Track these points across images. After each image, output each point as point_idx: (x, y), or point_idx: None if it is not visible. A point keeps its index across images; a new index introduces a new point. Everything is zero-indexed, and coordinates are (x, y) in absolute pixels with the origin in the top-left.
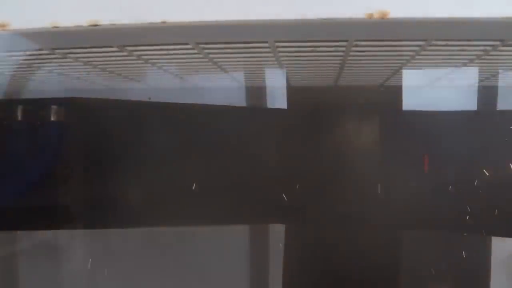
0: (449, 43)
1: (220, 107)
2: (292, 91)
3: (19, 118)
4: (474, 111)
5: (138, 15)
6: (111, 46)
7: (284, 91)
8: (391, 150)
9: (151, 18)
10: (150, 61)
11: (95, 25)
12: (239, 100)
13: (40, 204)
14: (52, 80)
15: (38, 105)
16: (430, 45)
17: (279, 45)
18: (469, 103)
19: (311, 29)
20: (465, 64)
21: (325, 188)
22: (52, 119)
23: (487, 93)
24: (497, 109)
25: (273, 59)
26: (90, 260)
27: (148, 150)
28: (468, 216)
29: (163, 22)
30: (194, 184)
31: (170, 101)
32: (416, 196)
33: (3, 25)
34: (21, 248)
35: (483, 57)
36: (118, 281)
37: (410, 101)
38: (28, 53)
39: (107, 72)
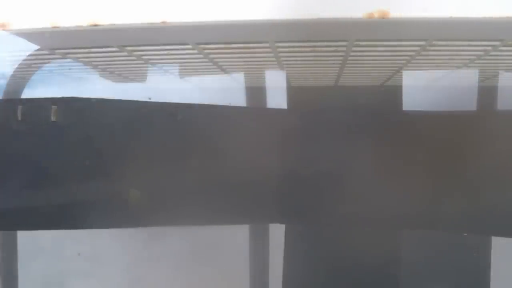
0: (449, 43)
1: (220, 107)
2: (292, 91)
3: (19, 118)
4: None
5: (138, 15)
6: (111, 46)
7: (284, 91)
8: (391, 150)
9: (151, 18)
10: (150, 61)
11: (95, 25)
12: (239, 100)
13: (40, 204)
14: (52, 80)
15: (38, 105)
16: (430, 45)
17: (279, 45)
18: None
19: (311, 29)
20: (465, 65)
21: (325, 188)
22: (53, 119)
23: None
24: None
25: (273, 59)
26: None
27: (147, 150)
28: (468, 216)
29: (163, 22)
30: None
31: (170, 101)
32: (416, 196)
33: (3, 25)
34: None
35: (483, 57)
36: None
37: (410, 101)
38: (28, 53)
39: (107, 72)
